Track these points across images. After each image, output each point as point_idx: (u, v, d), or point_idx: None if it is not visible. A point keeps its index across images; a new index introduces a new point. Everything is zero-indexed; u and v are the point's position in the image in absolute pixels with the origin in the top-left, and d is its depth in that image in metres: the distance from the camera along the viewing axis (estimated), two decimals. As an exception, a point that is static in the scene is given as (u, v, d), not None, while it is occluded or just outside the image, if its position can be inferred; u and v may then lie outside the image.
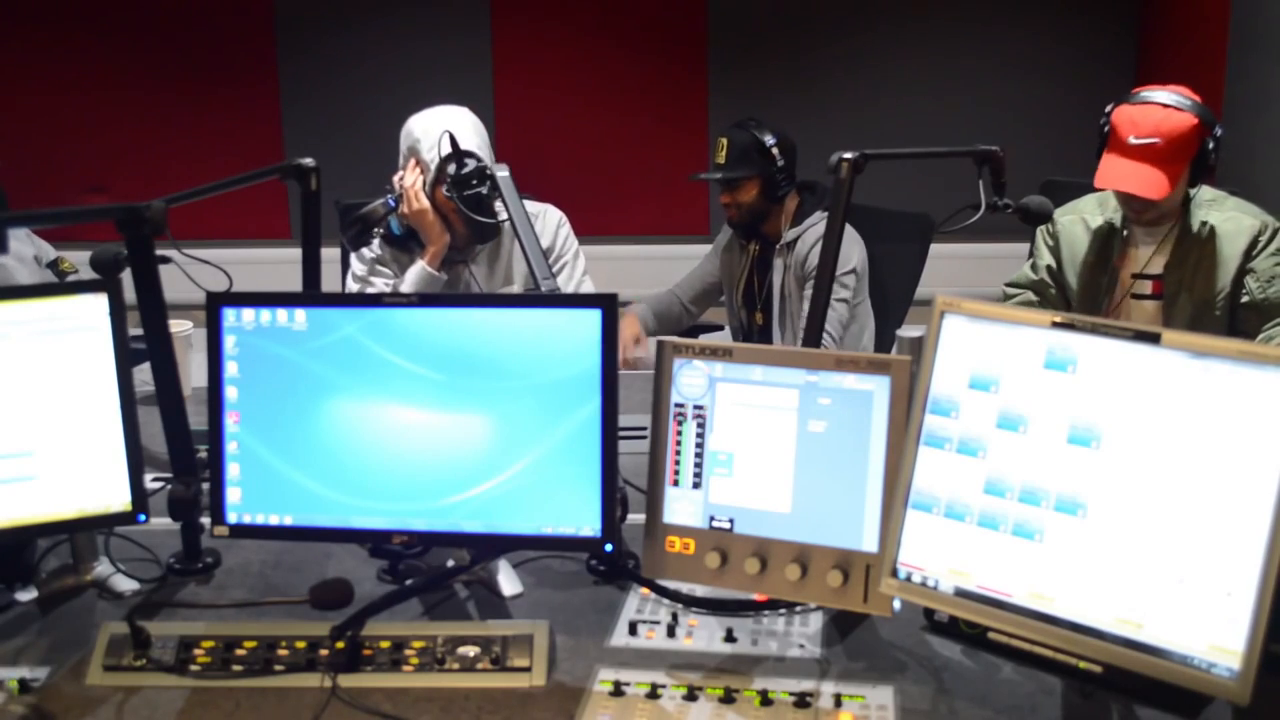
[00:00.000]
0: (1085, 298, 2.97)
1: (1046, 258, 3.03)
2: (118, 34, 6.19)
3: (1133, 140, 2.68)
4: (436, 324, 1.75)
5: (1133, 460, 1.38)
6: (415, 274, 2.91)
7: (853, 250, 3.40)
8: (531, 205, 3.01)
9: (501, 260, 3.03)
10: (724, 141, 3.46)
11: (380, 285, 2.99)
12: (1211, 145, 2.71)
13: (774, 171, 3.43)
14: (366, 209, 2.82)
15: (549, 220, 3.06)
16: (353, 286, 3.05)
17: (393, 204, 2.86)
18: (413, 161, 2.91)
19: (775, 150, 3.41)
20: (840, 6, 6.13)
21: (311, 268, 2.60)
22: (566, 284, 3.00)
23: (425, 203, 2.87)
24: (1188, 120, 2.66)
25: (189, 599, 1.90)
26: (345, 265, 3.50)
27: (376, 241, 2.97)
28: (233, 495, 1.80)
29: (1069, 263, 2.99)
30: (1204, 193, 2.86)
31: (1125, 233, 2.90)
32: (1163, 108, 2.68)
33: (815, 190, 3.52)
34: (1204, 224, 2.82)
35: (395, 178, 2.93)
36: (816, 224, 3.42)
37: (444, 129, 2.77)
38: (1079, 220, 2.97)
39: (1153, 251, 2.87)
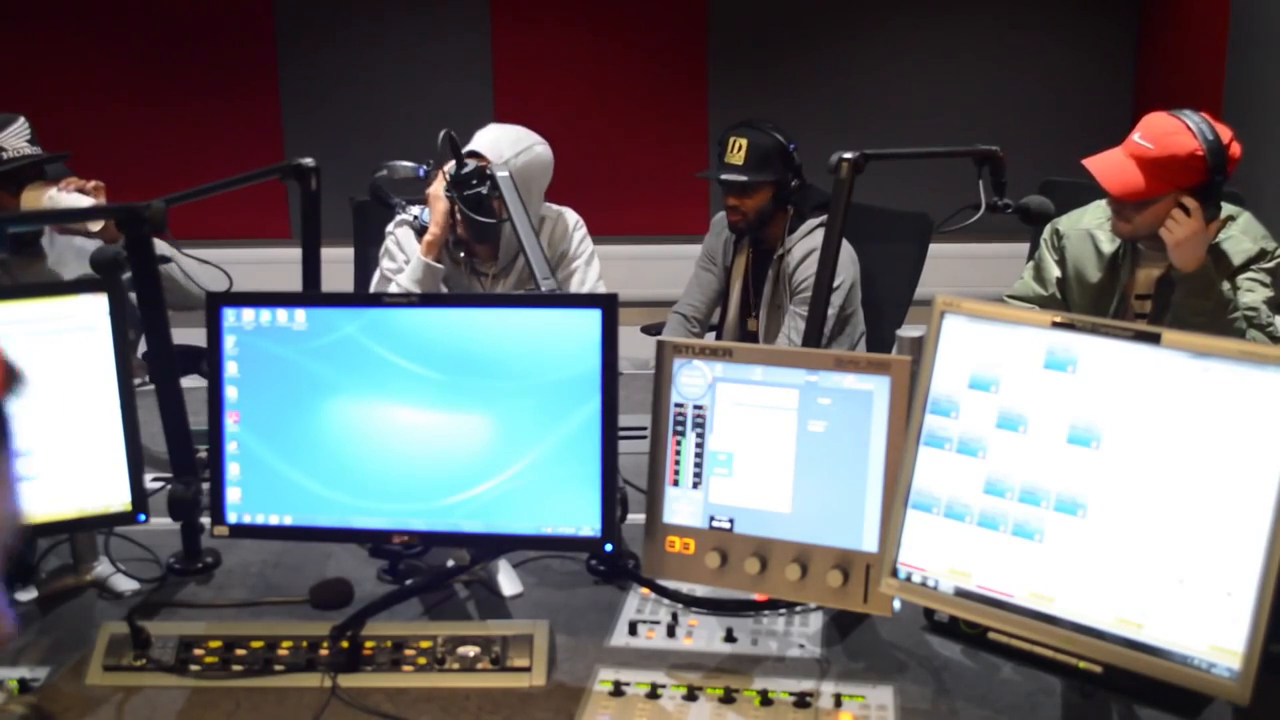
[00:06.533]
0: (1089, 315, 2.88)
1: (1054, 270, 2.95)
2: (118, 35, 6.20)
3: (1134, 137, 2.66)
4: (437, 324, 1.75)
5: (1133, 460, 1.38)
6: (412, 265, 2.89)
7: (845, 264, 3.31)
8: (548, 208, 3.00)
9: (514, 273, 3.01)
10: (742, 142, 3.28)
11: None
12: (1209, 183, 2.59)
13: (789, 177, 3.33)
14: (396, 163, 2.79)
15: (565, 223, 3.04)
16: (377, 283, 3.03)
17: (422, 173, 2.83)
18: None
19: (794, 155, 3.32)
20: (840, 7, 6.13)
21: (311, 268, 2.60)
22: (579, 288, 2.98)
23: (440, 188, 2.84)
24: (1190, 145, 2.56)
25: (189, 599, 1.90)
26: (350, 265, 3.50)
27: (405, 238, 2.95)
28: (233, 495, 1.81)
29: (1074, 279, 2.92)
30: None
31: (1136, 254, 2.81)
32: (1181, 125, 2.59)
33: (808, 194, 3.40)
34: None
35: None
36: (809, 234, 3.35)
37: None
38: (1087, 237, 2.87)
39: (1158, 273, 2.81)
